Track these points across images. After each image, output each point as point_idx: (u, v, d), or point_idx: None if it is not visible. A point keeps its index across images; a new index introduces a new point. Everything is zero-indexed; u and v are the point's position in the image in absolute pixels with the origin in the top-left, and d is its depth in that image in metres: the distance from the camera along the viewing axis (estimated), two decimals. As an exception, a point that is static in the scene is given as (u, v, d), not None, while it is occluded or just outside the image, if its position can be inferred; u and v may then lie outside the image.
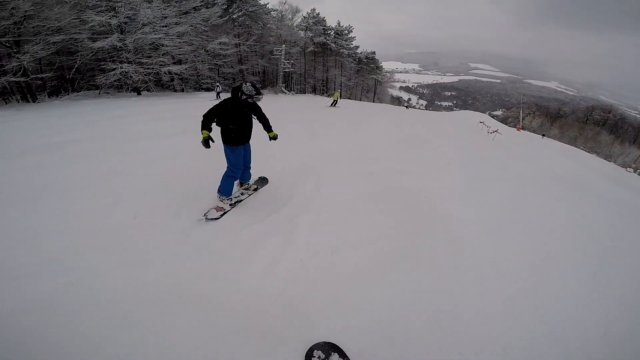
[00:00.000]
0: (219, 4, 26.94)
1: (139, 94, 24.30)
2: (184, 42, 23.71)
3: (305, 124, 12.06)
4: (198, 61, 25.99)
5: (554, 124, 69.89)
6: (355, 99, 51.82)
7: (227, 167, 4.27)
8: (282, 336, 2.43)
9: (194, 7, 24.67)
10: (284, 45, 30.38)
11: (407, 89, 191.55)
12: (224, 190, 4.34)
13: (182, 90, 26.49)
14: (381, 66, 52.54)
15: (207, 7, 26.30)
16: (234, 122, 3.94)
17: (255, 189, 4.92)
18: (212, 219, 3.94)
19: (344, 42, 40.19)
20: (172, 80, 25.88)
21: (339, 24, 40.36)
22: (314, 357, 2.22)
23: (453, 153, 9.53)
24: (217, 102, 4.97)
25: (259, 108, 4.29)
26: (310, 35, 35.45)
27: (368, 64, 48.79)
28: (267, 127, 4.52)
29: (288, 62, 30.93)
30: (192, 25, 24.10)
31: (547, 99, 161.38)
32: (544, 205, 5.94)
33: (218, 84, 21.14)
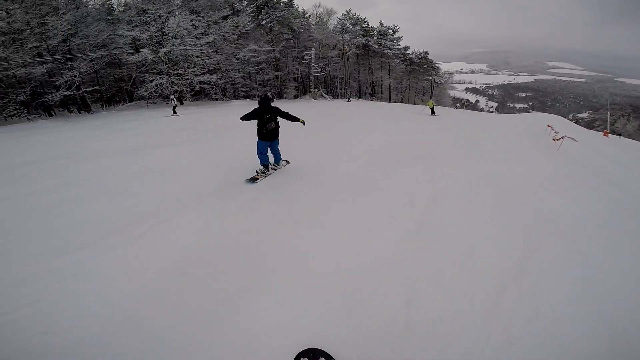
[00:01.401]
0: (248, 11, 26.33)
1: (181, 103, 24.89)
2: (213, 51, 23.46)
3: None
4: (231, 69, 25.53)
5: (655, 127, 57.11)
6: (408, 102, 48.16)
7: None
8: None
9: (222, 17, 24.37)
10: (313, 49, 28.56)
11: (474, 90, 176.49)
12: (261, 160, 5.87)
13: (216, 100, 26.30)
14: (437, 66, 47.87)
15: (236, 16, 25.89)
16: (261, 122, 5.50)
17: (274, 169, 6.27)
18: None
19: (388, 42, 37.15)
20: (206, 89, 25.89)
21: (381, 24, 37.55)
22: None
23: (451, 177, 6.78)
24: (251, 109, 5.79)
25: (278, 108, 5.61)
26: (348, 37, 33.22)
27: (421, 65, 44.72)
28: (293, 119, 5.82)
29: (318, 66, 29.04)
30: (221, 35, 23.77)
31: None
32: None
33: (173, 97, 18.91)
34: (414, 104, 49.59)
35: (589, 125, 61.49)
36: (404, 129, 12.79)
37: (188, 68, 22.35)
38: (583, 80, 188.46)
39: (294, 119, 5.78)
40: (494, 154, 9.77)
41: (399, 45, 39.11)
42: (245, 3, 27.85)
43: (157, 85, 22.07)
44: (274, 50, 27.64)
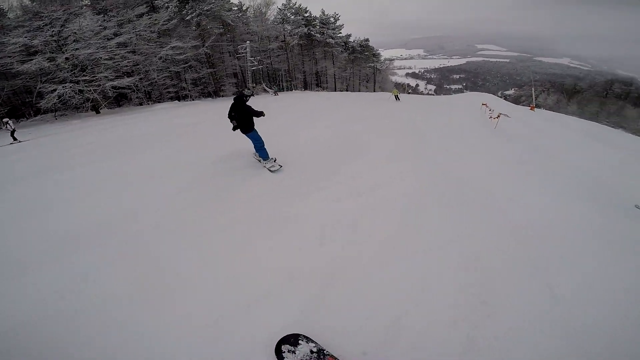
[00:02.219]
0: (170, 7, 23.77)
1: (97, 112, 21.87)
2: (129, 52, 20.80)
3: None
4: (153, 70, 22.80)
5: (571, 100, 63.80)
6: (353, 90, 48.15)
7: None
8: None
9: (138, 15, 21.67)
10: (248, 42, 26.67)
11: (414, 75, 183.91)
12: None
13: (140, 104, 23.53)
14: (378, 53, 48.30)
15: (155, 12, 23.22)
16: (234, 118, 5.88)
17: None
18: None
19: (330, 31, 36.42)
20: (127, 93, 23.05)
21: (323, 12, 36.61)
22: (283, 352, 2.22)
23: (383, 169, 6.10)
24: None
25: (243, 106, 5.77)
26: (290, 28, 31.79)
27: (362, 52, 44.77)
28: (256, 114, 5.81)
29: (255, 59, 27.27)
30: (137, 34, 21.17)
31: (561, 75, 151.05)
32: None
33: (8, 120, 14.46)
34: (359, 91, 49.93)
35: (516, 100, 66.65)
36: (350, 117, 12.18)
37: (99, 73, 19.49)
38: (507, 60, 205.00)
39: (257, 113, 5.78)
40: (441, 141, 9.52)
41: (340, 33, 38.50)
42: None
43: (59, 95, 18.96)
44: (203, 46, 25.11)
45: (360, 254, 3.39)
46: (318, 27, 35.63)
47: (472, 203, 4.74)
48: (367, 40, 44.34)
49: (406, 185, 5.31)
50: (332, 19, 37.21)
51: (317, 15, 36.51)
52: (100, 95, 20.26)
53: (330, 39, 35.89)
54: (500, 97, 57.75)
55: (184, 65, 24.30)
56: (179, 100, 25.31)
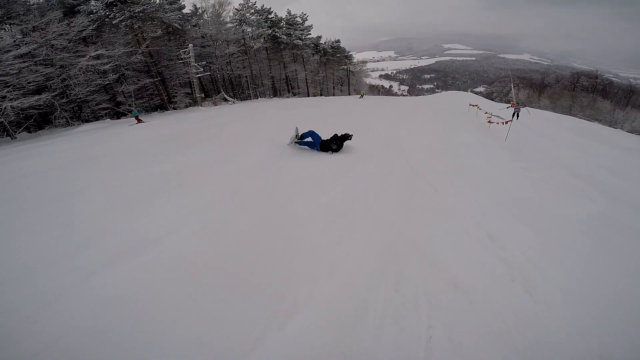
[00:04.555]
0: (90, 11, 19.21)
1: (12, 137, 16.98)
2: (40, 64, 16.19)
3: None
4: (73, 84, 17.92)
5: (542, 94, 62.90)
6: (327, 94, 44.48)
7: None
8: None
9: (46, 22, 16.99)
10: (191, 45, 22.13)
11: (386, 77, 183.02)
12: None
13: (65, 126, 18.54)
14: (350, 55, 44.92)
15: (69, 17, 18.56)
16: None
17: None
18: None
19: (298, 32, 32.52)
20: (46, 114, 18.29)
21: (289, 13, 32.67)
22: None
23: None
24: None
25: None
26: (249, 30, 27.57)
27: (334, 54, 41.23)
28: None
29: (200, 65, 22.80)
30: (47, 45, 16.59)
31: (524, 70, 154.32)
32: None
33: None
34: (333, 95, 46.35)
35: (488, 97, 65.30)
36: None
37: None
38: (473, 58, 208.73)
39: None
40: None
41: (310, 34, 34.70)
42: (93, 2, 20.04)
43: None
44: (135, 54, 20.17)
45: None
46: (284, 28, 31.68)
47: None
48: (338, 41, 40.86)
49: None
50: (299, 19, 33.33)
51: (283, 17, 32.56)
52: (6, 118, 15.42)
53: (299, 41, 31.99)
54: (477, 96, 55.75)
55: (114, 76, 19.44)
56: (118, 118, 20.66)
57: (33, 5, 19.08)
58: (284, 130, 9.29)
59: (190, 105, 24.07)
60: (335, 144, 7.33)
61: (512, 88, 37.47)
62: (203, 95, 24.57)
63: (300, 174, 6.00)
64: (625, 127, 39.92)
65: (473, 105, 18.61)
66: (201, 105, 23.43)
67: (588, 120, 36.19)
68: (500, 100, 63.02)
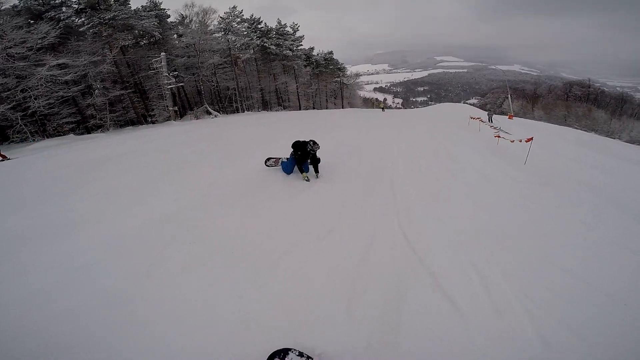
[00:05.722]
0: (58, 18, 17.41)
1: None
2: None
3: None
4: (34, 96, 15.83)
5: (535, 105, 61.80)
6: (320, 107, 42.75)
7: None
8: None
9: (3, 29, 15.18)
10: (163, 53, 20.10)
11: (381, 89, 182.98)
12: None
13: (24, 140, 16.48)
14: (343, 67, 43.42)
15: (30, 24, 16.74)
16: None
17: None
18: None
19: (288, 43, 30.88)
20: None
21: (279, 22, 31.13)
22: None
23: None
24: None
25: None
26: (234, 39, 25.80)
27: (327, 66, 39.67)
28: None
29: (172, 75, 20.76)
30: (2, 53, 14.73)
31: (515, 81, 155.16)
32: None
33: None
34: (326, 108, 44.63)
35: (482, 109, 64.23)
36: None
37: None
38: (465, 70, 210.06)
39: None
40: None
41: (301, 45, 33.10)
42: (64, 9, 18.25)
43: None
44: (102, 63, 18.13)
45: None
46: (274, 38, 30.04)
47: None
48: (331, 52, 39.39)
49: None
50: (289, 29, 31.77)
51: (273, 26, 30.98)
52: None
53: (288, 51, 30.30)
54: (475, 108, 54.52)
55: (77, 87, 17.39)
56: (88, 132, 18.57)
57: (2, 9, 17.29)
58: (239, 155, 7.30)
59: (169, 119, 22.06)
60: (296, 155, 5.85)
61: (509, 99, 35.88)
62: (176, 108, 22.47)
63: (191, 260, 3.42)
64: (623, 137, 38.64)
65: (475, 119, 16.78)
66: (174, 120, 21.35)
67: (586, 131, 34.77)
68: (494, 112, 61.97)
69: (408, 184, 6.03)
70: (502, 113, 48.23)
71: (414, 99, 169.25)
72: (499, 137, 11.13)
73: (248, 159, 7.48)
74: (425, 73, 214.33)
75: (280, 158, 6.53)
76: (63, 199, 5.44)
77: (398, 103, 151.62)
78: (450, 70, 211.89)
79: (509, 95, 31.64)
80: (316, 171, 6.14)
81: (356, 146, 9.13)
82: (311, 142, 5.75)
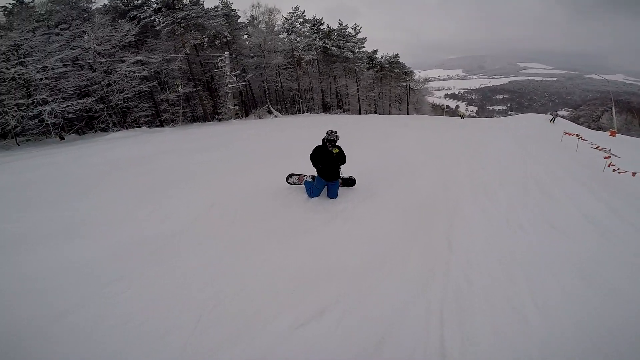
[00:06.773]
0: (140, 17, 18.60)
1: (62, 138, 17.05)
2: (88, 67, 15.69)
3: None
4: (116, 90, 17.27)
5: (644, 119, 50.39)
6: (383, 112, 40.52)
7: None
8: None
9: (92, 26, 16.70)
10: (227, 53, 20.17)
11: (452, 96, 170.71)
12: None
13: (104, 130, 18.13)
14: (410, 71, 40.53)
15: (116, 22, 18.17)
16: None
17: None
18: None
19: (349, 44, 29.53)
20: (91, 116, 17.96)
21: (340, 24, 29.98)
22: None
23: None
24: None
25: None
26: (298, 39, 25.39)
27: (392, 70, 37.33)
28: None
29: (235, 75, 20.82)
30: (93, 49, 16.15)
31: (617, 93, 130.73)
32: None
33: None
34: (390, 113, 42.07)
35: (574, 122, 55.03)
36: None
37: (38, 95, 14.46)
38: (554, 78, 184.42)
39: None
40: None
41: (363, 47, 31.59)
42: (146, 7, 19.87)
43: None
44: (174, 61, 19.10)
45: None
46: (335, 39, 29.05)
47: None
48: (396, 56, 37.03)
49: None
50: (351, 31, 30.47)
51: (335, 27, 30.06)
52: (54, 120, 15.17)
53: (350, 53, 28.97)
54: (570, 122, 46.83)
55: (151, 83, 18.67)
56: (162, 126, 19.95)
57: (94, 9, 19.44)
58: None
59: (237, 117, 22.91)
60: (317, 167, 4.80)
61: (613, 112, 29.64)
62: (236, 107, 22.98)
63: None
64: None
65: (571, 135, 13.30)
66: (234, 118, 21.79)
67: None
68: (588, 126, 52.39)
69: (475, 235, 3.94)
70: (599, 128, 40.28)
71: (490, 107, 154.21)
72: (608, 157, 8.23)
73: (268, 169, 6.38)
74: (505, 80, 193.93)
75: (305, 175, 5.25)
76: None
77: (472, 111, 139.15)
78: (536, 78, 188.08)
79: (613, 108, 25.71)
80: (339, 185, 5.08)
81: (410, 162, 7.36)
82: (328, 132, 4.72)
